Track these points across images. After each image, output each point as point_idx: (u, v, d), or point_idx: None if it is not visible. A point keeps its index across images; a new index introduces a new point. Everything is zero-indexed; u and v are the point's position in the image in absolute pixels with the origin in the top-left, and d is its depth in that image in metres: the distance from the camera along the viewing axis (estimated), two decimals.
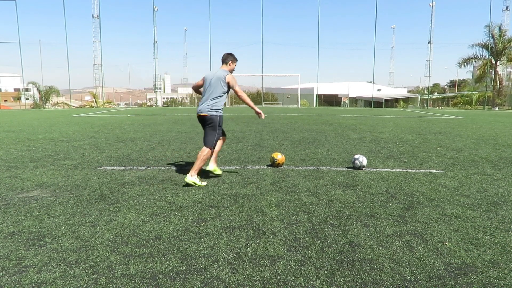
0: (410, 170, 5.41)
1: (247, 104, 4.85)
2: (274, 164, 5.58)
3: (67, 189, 4.35)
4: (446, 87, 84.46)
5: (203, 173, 5.05)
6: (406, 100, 47.23)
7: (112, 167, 5.56)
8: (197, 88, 5.11)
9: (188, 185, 4.48)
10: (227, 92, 4.86)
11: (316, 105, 40.55)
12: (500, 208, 3.69)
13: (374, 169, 5.47)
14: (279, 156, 5.57)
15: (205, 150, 4.64)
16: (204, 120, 4.76)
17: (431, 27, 34.89)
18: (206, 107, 4.72)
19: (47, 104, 37.39)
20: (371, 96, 39.31)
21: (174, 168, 5.55)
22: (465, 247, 2.77)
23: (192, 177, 4.49)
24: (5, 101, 55.29)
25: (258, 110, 4.92)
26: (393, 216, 3.43)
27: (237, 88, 4.81)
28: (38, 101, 37.47)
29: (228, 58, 4.94)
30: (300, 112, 21.81)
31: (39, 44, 49.15)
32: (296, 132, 10.43)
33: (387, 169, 5.47)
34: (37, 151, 7.07)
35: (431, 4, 34.28)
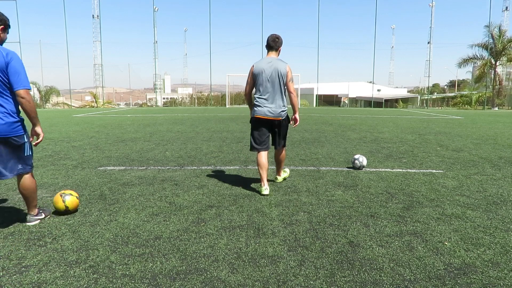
0: (410, 170, 5.41)
1: (293, 105, 4.24)
2: None
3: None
4: (446, 87, 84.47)
5: (203, 176, 5.04)
6: (406, 100, 47.22)
7: (112, 167, 5.56)
8: (251, 93, 4.32)
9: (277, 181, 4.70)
10: None
11: (316, 105, 40.55)
12: (500, 208, 3.70)
13: (374, 169, 5.47)
14: None
15: (284, 151, 4.56)
16: (274, 124, 4.21)
17: (431, 27, 34.88)
18: (280, 111, 4.15)
19: (47, 104, 37.39)
20: (371, 96, 39.30)
21: (174, 168, 5.55)
22: (465, 247, 2.77)
23: (281, 176, 4.70)
24: None
25: (296, 116, 4.32)
26: (393, 216, 3.44)
27: (291, 85, 4.14)
28: (38, 101, 37.45)
29: (279, 42, 4.19)
30: (300, 112, 21.74)
31: (39, 44, 49.13)
32: (296, 132, 10.43)
33: (387, 169, 5.47)
34: (37, 151, 7.06)
35: (431, 4, 34.26)
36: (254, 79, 4.17)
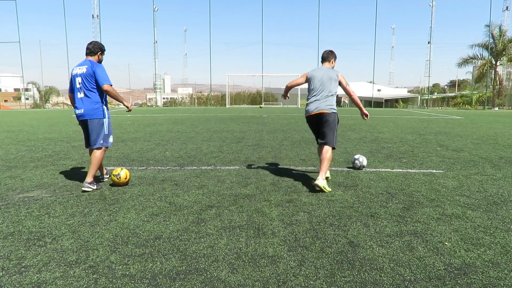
0: (410, 170, 5.41)
1: (357, 104, 4.73)
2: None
3: (67, 189, 4.35)
4: (446, 87, 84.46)
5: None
6: (406, 100, 47.22)
7: (112, 167, 5.56)
8: (292, 87, 4.93)
9: (320, 190, 4.21)
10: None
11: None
12: (500, 208, 3.69)
13: (374, 169, 5.47)
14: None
15: (329, 150, 4.50)
16: (321, 118, 4.61)
17: (431, 27, 34.90)
18: (325, 105, 4.59)
19: (47, 104, 37.41)
20: (371, 96, 39.30)
21: (174, 168, 5.55)
22: (465, 247, 2.77)
23: (324, 181, 4.25)
24: (5, 101, 55.32)
25: (365, 111, 4.82)
26: (393, 216, 3.43)
27: (349, 88, 4.71)
28: (38, 101, 37.49)
29: (331, 56, 4.89)
30: (300, 112, 21.81)
31: (39, 44, 49.19)
32: (296, 132, 10.43)
33: (387, 169, 5.47)
34: (37, 151, 7.07)
35: (431, 4, 34.28)
36: (307, 82, 4.83)
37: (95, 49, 4.46)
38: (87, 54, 4.47)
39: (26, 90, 39.64)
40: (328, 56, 4.89)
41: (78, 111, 4.37)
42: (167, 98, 55.84)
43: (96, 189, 4.32)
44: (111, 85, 4.35)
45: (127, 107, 4.64)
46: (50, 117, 17.64)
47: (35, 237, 2.94)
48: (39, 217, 3.40)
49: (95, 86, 4.32)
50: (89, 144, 4.49)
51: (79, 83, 4.32)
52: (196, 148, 7.47)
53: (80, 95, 4.34)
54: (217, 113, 20.99)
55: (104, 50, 4.57)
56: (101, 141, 4.40)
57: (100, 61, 4.49)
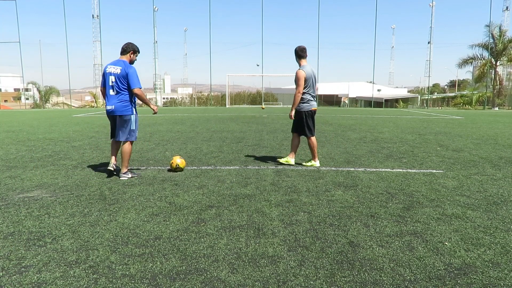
0: (410, 170, 5.41)
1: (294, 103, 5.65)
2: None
3: (67, 189, 4.35)
4: (446, 87, 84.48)
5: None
6: (406, 100, 47.22)
7: (112, 167, 5.55)
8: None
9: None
10: None
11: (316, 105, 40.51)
12: (500, 208, 3.69)
13: (374, 169, 5.47)
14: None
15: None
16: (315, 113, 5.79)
17: (431, 27, 34.90)
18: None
19: (47, 104, 37.38)
20: (371, 96, 39.32)
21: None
22: (465, 247, 2.77)
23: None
24: (5, 101, 55.30)
25: (292, 113, 5.66)
26: (393, 216, 3.43)
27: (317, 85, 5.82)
28: (38, 101, 37.46)
29: (306, 51, 5.54)
30: None
31: (39, 44, 49.17)
32: None
33: (387, 169, 5.47)
34: (37, 151, 7.06)
35: (431, 4, 34.28)
36: (305, 82, 5.48)
37: (127, 49, 4.87)
38: (121, 53, 4.90)
39: (26, 90, 39.62)
40: (304, 53, 5.47)
41: (109, 107, 4.81)
42: (167, 98, 55.81)
43: (131, 177, 4.86)
44: (141, 88, 4.82)
45: (153, 110, 5.08)
46: (50, 117, 17.63)
47: (35, 237, 2.94)
48: (39, 217, 3.40)
49: (127, 86, 4.75)
50: (114, 135, 4.97)
51: (112, 82, 4.74)
52: (196, 148, 7.47)
53: (112, 92, 4.78)
54: (217, 113, 21.00)
55: (138, 51, 4.96)
56: (127, 136, 4.87)
57: (132, 61, 4.88)
